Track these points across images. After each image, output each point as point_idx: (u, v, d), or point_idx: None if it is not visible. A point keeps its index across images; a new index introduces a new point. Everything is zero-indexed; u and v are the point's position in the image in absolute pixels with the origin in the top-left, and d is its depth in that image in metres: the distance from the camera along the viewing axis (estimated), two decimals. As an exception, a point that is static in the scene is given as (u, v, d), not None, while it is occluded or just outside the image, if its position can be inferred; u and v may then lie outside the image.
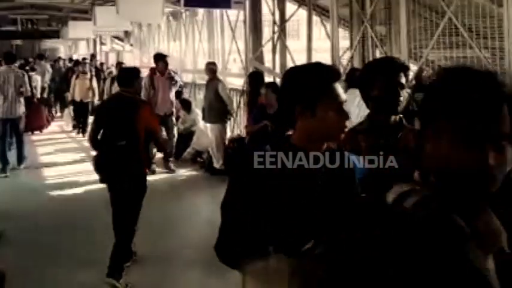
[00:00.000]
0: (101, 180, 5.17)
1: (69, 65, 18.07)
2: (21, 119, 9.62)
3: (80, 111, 13.78)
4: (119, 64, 11.41)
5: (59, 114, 16.68)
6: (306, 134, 2.04)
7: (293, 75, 2.11)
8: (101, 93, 14.12)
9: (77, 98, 13.59)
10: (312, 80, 2.02)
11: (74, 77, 13.73)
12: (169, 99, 9.56)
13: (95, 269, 5.11)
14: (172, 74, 9.81)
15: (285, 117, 2.08)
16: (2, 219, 6.67)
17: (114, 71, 13.96)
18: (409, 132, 2.66)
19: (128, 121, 4.92)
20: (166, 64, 9.55)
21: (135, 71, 5.51)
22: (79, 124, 13.82)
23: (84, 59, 18.43)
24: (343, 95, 2.04)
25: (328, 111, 2.00)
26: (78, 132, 13.73)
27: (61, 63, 19.43)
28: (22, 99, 9.50)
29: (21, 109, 9.54)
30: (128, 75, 5.31)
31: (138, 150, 4.97)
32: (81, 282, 5.06)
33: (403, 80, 2.65)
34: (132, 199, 5.03)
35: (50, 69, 17.27)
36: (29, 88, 9.78)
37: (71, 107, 14.20)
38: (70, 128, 14.44)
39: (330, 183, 2.06)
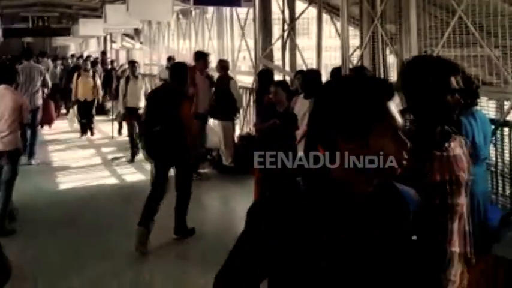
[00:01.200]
0: (150, 157, 6.09)
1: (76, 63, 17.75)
2: (39, 110, 10.34)
3: (84, 112, 13.20)
4: (132, 63, 11.27)
5: (64, 111, 16.26)
6: (351, 169, 1.56)
7: (335, 94, 1.59)
8: (115, 92, 13.19)
9: (81, 98, 13.06)
10: (362, 100, 1.54)
11: (76, 75, 13.17)
12: (207, 99, 9.25)
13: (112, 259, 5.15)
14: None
15: (319, 145, 1.61)
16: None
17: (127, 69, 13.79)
18: (457, 143, 2.41)
19: (173, 110, 5.71)
20: (207, 63, 9.38)
21: (184, 67, 6.25)
22: (84, 126, 13.23)
23: (88, 56, 17.96)
24: (399, 118, 1.58)
25: (383, 140, 1.54)
26: (83, 134, 13.18)
27: (69, 61, 19.49)
28: (40, 92, 10.33)
29: (40, 101, 10.39)
30: (177, 70, 6.17)
31: (181, 136, 5.76)
32: (102, 270, 5.12)
33: (455, 85, 2.32)
34: (179, 175, 5.98)
35: (51, 66, 17.54)
36: (48, 81, 10.84)
37: (75, 107, 13.57)
38: (74, 128, 13.83)
39: (381, 234, 1.57)
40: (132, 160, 10.26)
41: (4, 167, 6.45)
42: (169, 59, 13.95)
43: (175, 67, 6.41)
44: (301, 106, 5.76)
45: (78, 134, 13.27)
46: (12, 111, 6.41)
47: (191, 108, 6.48)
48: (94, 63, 15.25)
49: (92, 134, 13.31)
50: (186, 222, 6.10)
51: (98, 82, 13.45)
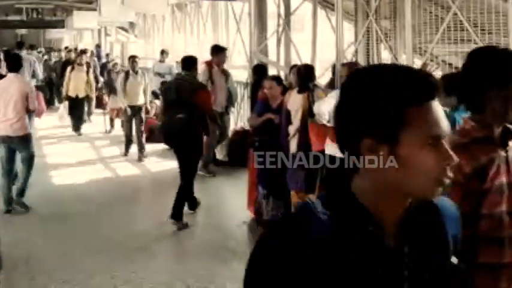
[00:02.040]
0: (166, 143, 6.87)
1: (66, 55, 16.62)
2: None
3: (75, 108, 12.48)
4: (132, 57, 10.80)
5: (57, 105, 15.28)
6: (377, 186, 1.22)
7: (363, 87, 1.22)
8: (107, 87, 13.05)
9: (72, 94, 12.39)
10: (395, 96, 1.18)
11: (69, 69, 12.49)
12: (224, 95, 8.91)
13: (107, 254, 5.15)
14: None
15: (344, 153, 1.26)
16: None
17: (123, 64, 13.50)
18: None
19: (187, 99, 6.21)
20: (224, 57, 8.93)
21: (194, 59, 6.81)
22: (75, 124, 12.59)
23: (83, 50, 16.38)
24: (443, 123, 1.20)
25: (419, 149, 1.18)
26: (74, 130, 12.61)
27: (62, 54, 19.13)
28: (33, 82, 10.35)
29: None
30: (188, 61, 6.70)
31: (194, 122, 6.20)
32: (96, 265, 5.13)
33: None
34: (189, 158, 6.37)
35: (43, 59, 17.35)
36: (39, 73, 10.88)
37: (66, 103, 12.58)
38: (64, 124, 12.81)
39: (418, 269, 1.26)
40: (125, 154, 10.18)
41: (20, 151, 6.80)
42: (163, 52, 13.89)
43: (187, 59, 6.82)
44: (295, 101, 5.75)
45: (69, 129, 12.74)
46: (20, 98, 6.61)
47: (208, 96, 6.81)
48: (83, 52, 14.56)
49: (78, 131, 12.60)
50: (183, 210, 6.33)
51: (92, 77, 12.85)
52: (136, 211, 7.35)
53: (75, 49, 18.92)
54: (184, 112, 6.19)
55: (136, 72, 10.17)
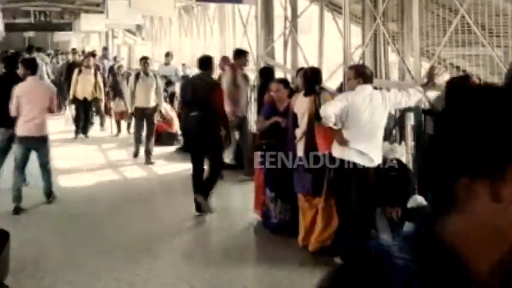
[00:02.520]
0: (185, 141, 7.33)
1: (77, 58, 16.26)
2: None
3: (82, 111, 12.33)
4: (144, 59, 10.25)
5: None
6: (474, 230, 1.03)
7: (470, 116, 1.00)
8: (112, 90, 12.69)
9: (80, 96, 12.22)
10: (507, 128, 0.96)
11: (76, 71, 12.31)
12: (246, 98, 8.95)
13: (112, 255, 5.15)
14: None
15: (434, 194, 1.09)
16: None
17: (130, 66, 13.33)
18: None
19: (203, 97, 6.46)
20: (246, 60, 8.89)
21: (210, 58, 7.08)
22: (78, 128, 12.38)
23: (90, 53, 16.07)
24: None
25: None
26: (77, 135, 12.34)
27: (69, 56, 19.10)
28: None
29: None
30: (205, 61, 6.92)
31: (209, 120, 6.44)
32: (102, 266, 5.12)
33: None
34: (211, 153, 6.66)
35: (49, 62, 17.34)
36: (45, 75, 11.18)
37: (72, 106, 12.58)
38: (69, 127, 12.75)
39: None
40: (135, 156, 10.12)
41: (39, 152, 7.12)
42: (167, 54, 13.90)
43: (204, 58, 7.05)
44: (301, 104, 5.73)
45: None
46: (45, 100, 7.03)
47: (222, 95, 6.99)
48: (92, 54, 14.35)
49: (85, 134, 12.44)
50: (210, 199, 6.74)
51: (100, 80, 12.60)
52: (143, 213, 7.35)
53: (83, 52, 18.97)
54: (199, 110, 6.43)
55: (147, 74, 9.94)
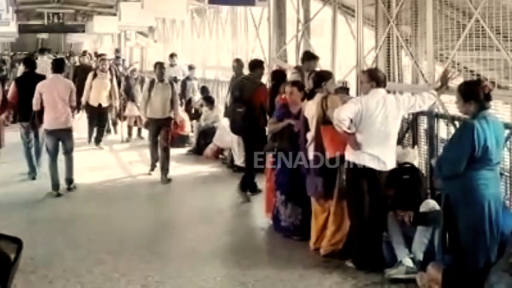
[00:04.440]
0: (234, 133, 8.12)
1: (91, 61, 15.44)
2: None
3: (97, 118, 11.47)
4: (159, 64, 9.22)
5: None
6: None
7: None
8: (126, 95, 12.24)
9: (94, 103, 11.23)
10: None
11: (91, 76, 11.28)
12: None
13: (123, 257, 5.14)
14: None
15: None
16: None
17: (142, 69, 13.05)
18: None
19: (248, 96, 7.47)
20: (314, 66, 7.84)
21: (258, 61, 8.06)
22: (90, 137, 11.65)
23: (101, 55, 14.74)
24: None
25: None
26: (95, 142, 11.59)
27: (76, 58, 18.45)
28: None
29: None
30: (254, 63, 7.90)
31: (254, 115, 7.39)
32: (113, 267, 5.14)
33: None
34: (251, 147, 7.45)
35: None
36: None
37: (84, 114, 11.14)
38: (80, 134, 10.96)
39: None
40: (151, 170, 9.16)
41: (65, 142, 7.99)
42: (172, 55, 13.97)
43: (253, 61, 8.06)
44: (310, 108, 5.71)
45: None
46: (67, 94, 7.90)
47: (265, 93, 7.63)
48: (101, 57, 13.08)
49: (98, 144, 11.60)
50: (248, 185, 7.61)
51: (116, 85, 11.61)
52: (154, 215, 7.37)
53: (95, 53, 18.86)
54: (244, 107, 7.39)
55: (162, 81, 8.92)
